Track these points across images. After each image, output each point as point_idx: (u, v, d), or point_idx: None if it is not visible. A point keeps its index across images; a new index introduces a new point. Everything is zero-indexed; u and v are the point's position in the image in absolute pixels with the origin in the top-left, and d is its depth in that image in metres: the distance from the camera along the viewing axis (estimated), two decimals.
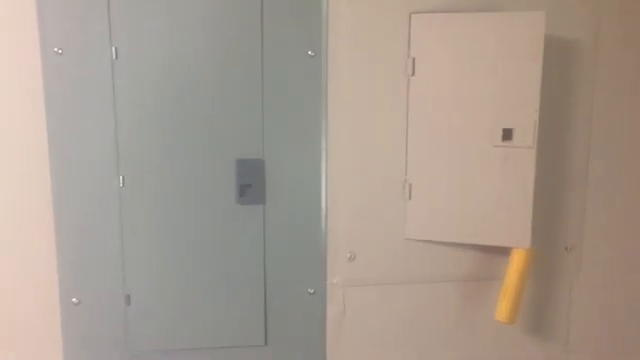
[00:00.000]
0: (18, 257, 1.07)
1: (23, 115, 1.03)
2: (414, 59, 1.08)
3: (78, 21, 1.01)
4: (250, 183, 1.10)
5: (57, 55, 1.02)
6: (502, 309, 1.10)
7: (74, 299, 1.09)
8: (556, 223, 1.20)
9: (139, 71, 1.04)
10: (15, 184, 1.05)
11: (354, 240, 1.14)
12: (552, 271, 1.22)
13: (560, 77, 1.15)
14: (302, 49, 1.08)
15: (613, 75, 1.18)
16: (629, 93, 1.19)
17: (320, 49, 1.08)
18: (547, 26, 1.03)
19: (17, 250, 1.07)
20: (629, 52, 1.18)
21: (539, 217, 1.12)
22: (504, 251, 1.13)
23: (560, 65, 1.15)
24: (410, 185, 1.12)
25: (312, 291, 1.15)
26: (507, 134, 1.06)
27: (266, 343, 1.15)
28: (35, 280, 1.08)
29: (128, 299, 1.10)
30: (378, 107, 1.11)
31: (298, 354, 1.17)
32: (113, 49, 1.03)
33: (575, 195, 1.20)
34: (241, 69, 1.07)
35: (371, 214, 1.14)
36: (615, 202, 1.22)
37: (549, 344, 1.26)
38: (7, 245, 1.07)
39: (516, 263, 1.10)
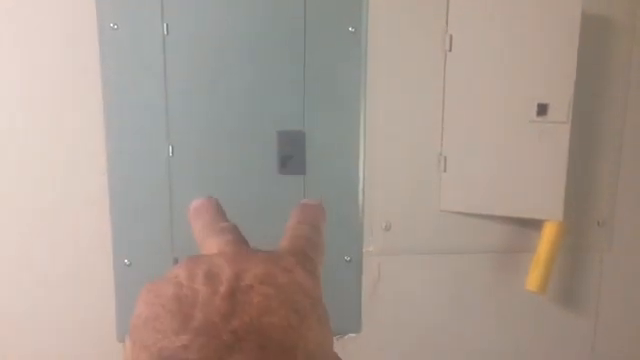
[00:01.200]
0: (75, 222, 1.15)
1: (80, 87, 1.10)
2: (451, 35, 1.12)
3: None
4: (291, 154, 1.15)
5: (113, 30, 1.08)
6: (533, 279, 1.14)
7: (126, 260, 1.16)
8: (589, 198, 1.23)
9: (188, 46, 1.10)
10: (73, 152, 1.12)
11: (390, 210, 1.19)
12: (584, 245, 1.25)
13: (596, 54, 1.17)
14: (343, 25, 1.12)
15: None
16: None
17: (360, 25, 1.12)
18: (584, 3, 1.05)
19: (74, 214, 1.15)
20: None
21: (572, 191, 1.15)
22: (537, 224, 1.16)
23: (597, 42, 1.16)
24: (445, 158, 1.16)
25: (349, 259, 1.20)
26: (542, 109, 1.09)
27: None
28: (90, 242, 1.16)
29: (176, 262, 1.16)
30: (416, 82, 1.14)
31: (335, 318, 1.21)
32: (165, 25, 1.08)
33: (608, 171, 1.22)
34: (284, 45, 1.11)
35: (407, 186, 1.18)
36: None
37: (579, 317, 1.29)
38: (65, 209, 1.14)
39: (547, 235, 1.14)
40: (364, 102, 1.15)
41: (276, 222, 1.15)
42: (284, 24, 1.11)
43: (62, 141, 1.12)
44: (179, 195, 1.15)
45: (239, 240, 0.41)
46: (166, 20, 1.09)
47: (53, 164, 1.13)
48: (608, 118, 1.20)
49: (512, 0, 1.08)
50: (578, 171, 1.18)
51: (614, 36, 1.17)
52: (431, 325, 1.25)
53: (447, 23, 1.12)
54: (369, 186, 1.18)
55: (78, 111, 1.11)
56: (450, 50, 1.12)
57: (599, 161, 1.21)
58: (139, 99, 1.11)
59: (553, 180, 1.11)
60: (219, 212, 0.44)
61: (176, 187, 1.14)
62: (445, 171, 1.16)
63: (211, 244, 0.40)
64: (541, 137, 1.10)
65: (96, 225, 1.15)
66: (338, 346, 1.17)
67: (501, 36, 1.09)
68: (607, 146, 1.21)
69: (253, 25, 1.10)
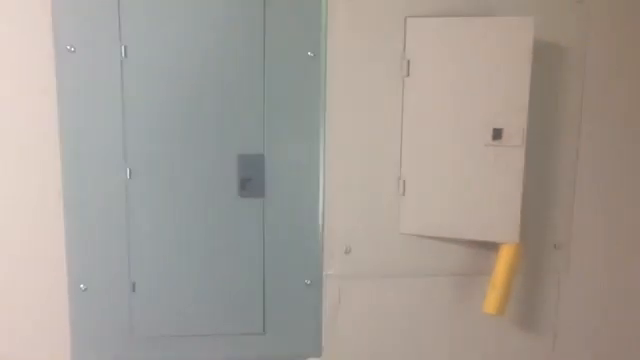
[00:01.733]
0: (29, 245, 1.13)
1: (36, 110, 1.09)
2: (409, 61, 1.14)
3: (90, 20, 1.07)
4: (250, 177, 1.15)
5: (69, 53, 1.07)
6: (490, 301, 1.15)
7: (82, 285, 1.14)
8: (545, 221, 1.25)
9: (146, 69, 1.10)
10: (28, 175, 1.11)
11: (350, 234, 1.19)
12: (541, 268, 1.26)
13: (549, 80, 1.20)
14: (302, 50, 1.13)
15: (602, 79, 1.22)
16: (617, 97, 1.23)
17: (319, 50, 1.14)
18: (537, 31, 1.08)
19: (28, 239, 1.13)
20: (618, 57, 1.22)
21: (528, 214, 1.16)
22: (494, 246, 1.17)
23: (550, 69, 1.19)
24: (404, 181, 1.17)
25: (309, 282, 1.20)
26: (497, 133, 1.11)
27: (264, 331, 1.20)
28: (44, 267, 1.14)
29: (133, 286, 1.15)
30: (375, 106, 1.16)
31: (295, 342, 1.22)
32: (122, 47, 1.08)
33: (563, 193, 1.24)
34: (244, 69, 1.12)
35: (367, 209, 1.19)
36: (603, 201, 1.26)
37: (537, 338, 1.30)
38: (19, 234, 1.12)
39: (504, 257, 1.15)
40: (323, 126, 1.16)
41: (235, 244, 1.15)
42: (243, 48, 1.11)
43: (17, 163, 1.10)
44: (137, 218, 1.13)
45: None
46: (124, 42, 1.08)
47: (7, 185, 1.11)
48: (562, 141, 1.23)
49: (467, 28, 1.10)
50: (534, 194, 1.20)
51: (566, 61, 1.20)
52: (391, 348, 1.25)
53: (404, 49, 1.14)
54: (329, 209, 1.18)
55: (33, 134, 1.10)
56: (408, 75, 1.14)
57: (555, 184, 1.24)
58: (96, 121, 1.10)
59: (509, 203, 1.13)
60: None
61: (134, 210, 1.13)
62: (404, 194, 1.17)
63: None
64: (497, 161, 1.12)
65: (51, 249, 1.13)
66: None
67: (457, 62, 1.11)
68: (562, 169, 1.24)
69: (213, 48, 1.11)
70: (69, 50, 1.07)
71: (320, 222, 1.18)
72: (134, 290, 1.15)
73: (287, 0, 1.11)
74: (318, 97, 1.15)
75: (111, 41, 1.08)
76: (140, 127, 1.11)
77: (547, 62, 1.18)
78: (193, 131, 1.12)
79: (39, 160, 1.11)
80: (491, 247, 1.18)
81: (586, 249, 1.28)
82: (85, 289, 1.14)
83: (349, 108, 1.15)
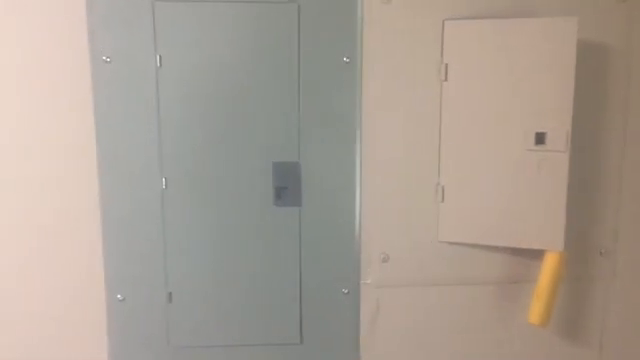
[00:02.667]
0: (67, 256, 1.13)
1: (73, 120, 1.09)
2: (447, 65, 1.11)
3: (125, 30, 1.07)
4: (286, 186, 1.13)
5: (105, 63, 1.07)
6: (535, 312, 1.11)
7: (119, 296, 1.14)
8: (590, 227, 1.20)
9: (181, 78, 1.09)
10: (66, 186, 1.11)
11: (387, 242, 1.17)
12: (586, 275, 1.22)
13: (594, 82, 1.16)
14: (338, 56, 1.11)
15: None
16: None
17: (355, 55, 1.12)
18: (580, 31, 1.04)
19: (66, 249, 1.13)
20: None
21: (573, 221, 1.13)
22: (538, 254, 1.14)
23: (594, 70, 1.15)
24: (443, 188, 1.14)
25: (346, 291, 1.18)
26: (540, 138, 1.08)
27: (301, 342, 1.18)
28: (82, 278, 1.14)
29: (170, 297, 1.15)
30: (412, 112, 1.13)
31: (332, 353, 1.19)
32: (158, 57, 1.08)
33: (609, 199, 1.20)
34: (279, 75, 1.11)
35: (405, 216, 1.16)
36: None
37: (583, 348, 1.25)
38: (57, 244, 1.13)
39: (549, 266, 1.11)
40: (360, 133, 1.14)
41: (271, 254, 1.14)
42: (278, 55, 1.10)
43: (55, 174, 1.11)
44: (173, 228, 1.13)
45: None
46: (159, 52, 1.08)
47: (46, 197, 1.11)
48: (608, 146, 1.18)
49: (508, 29, 1.07)
50: (579, 200, 1.17)
51: (611, 62, 1.16)
52: (431, 359, 1.22)
53: (442, 52, 1.11)
54: (366, 217, 1.16)
55: (70, 145, 1.10)
56: (446, 80, 1.11)
57: (600, 190, 1.20)
58: (132, 131, 1.10)
59: (553, 209, 1.09)
60: None
61: (170, 220, 1.13)
62: (443, 201, 1.15)
63: None
64: (540, 166, 1.08)
65: (88, 260, 1.13)
66: None
67: (497, 65, 1.08)
68: (608, 174, 1.19)
69: (248, 56, 1.10)
70: (105, 61, 1.07)
71: (357, 230, 1.16)
72: (171, 301, 1.15)
73: (321, 5, 1.10)
74: (354, 103, 1.13)
75: (146, 51, 1.08)
76: (175, 137, 1.10)
77: (591, 63, 1.14)
78: (228, 140, 1.11)
79: (76, 171, 1.11)
80: (535, 255, 1.15)
81: (633, 255, 1.23)
82: (123, 299, 1.14)
83: (386, 114, 1.13)
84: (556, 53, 1.05)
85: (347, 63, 1.12)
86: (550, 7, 1.12)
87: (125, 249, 1.13)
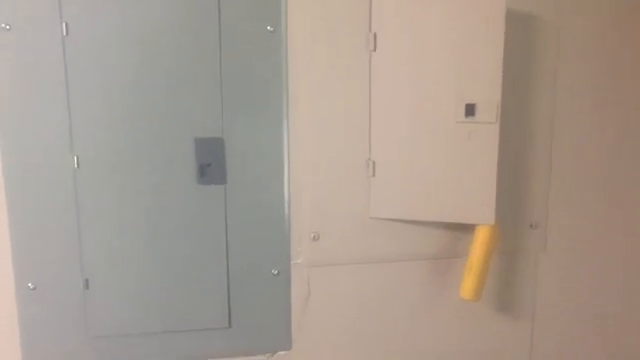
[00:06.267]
0: None
1: None
2: (375, 34, 1.07)
3: None
4: (210, 162, 1.07)
5: (5, 31, 0.98)
6: (467, 286, 1.10)
7: (30, 284, 1.06)
8: (521, 201, 1.20)
9: (91, 48, 1.01)
10: None
11: (318, 220, 1.13)
12: (517, 248, 1.22)
13: (522, 52, 1.14)
14: (261, 24, 1.05)
15: (576, 53, 1.17)
16: (593, 71, 1.19)
17: (279, 24, 1.06)
18: (509, 1, 1.02)
19: None
20: (590, 25, 1.17)
21: (504, 194, 1.12)
22: (470, 228, 1.12)
23: (523, 41, 1.14)
24: (374, 162, 1.11)
25: (276, 272, 1.14)
26: (470, 110, 1.05)
27: (230, 325, 1.13)
28: None
29: (86, 283, 1.07)
30: (340, 83, 1.09)
31: (263, 336, 1.15)
32: (64, 24, 0.99)
33: (539, 172, 1.20)
34: (198, 45, 1.04)
35: (335, 193, 1.12)
36: (579, 179, 1.22)
37: (516, 321, 1.26)
38: None
39: (480, 240, 1.10)
40: (286, 105, 1.08)
41: (196, 235, 1.08)
42: (197, 23, 1.03)
43: None
44: (87, 210, 1.05)
45: None
46: (65, 19, 0.99)
47: None
48: (538, 118, 1.18)
49: None
50: (509, 173, 1.16)
51: (540, 33, 1.15)
52: (364, 337, 1.19)
53: (370, 22, 1.07)
54: (295, 194, 1.12)
55: None
56: (374, 50, 1.07)
57: (530, 163, 1.19)
58: (37, 106, 1.01)
59: (484, 183, 1.08)
60: None
61: (84, 202, 1.05)
62: (374, 176, 1.11)
63: None
64: (470, 138, 1.06)
65: None
66: None
67: (426, 35, 1.04)
68: (538, 147, 1.19)
69: (164, 24, 1.02)
70: (4, 28, 0.98)
71: (286, 209, 1.11)
72: (87, 287, 1.07)
73: None
74: (280, 75, 1.07)
75: (50, 17, 0.99)
76: (87, 112, 1.02)
77: (520, 34, 1.13)
78: (145, 114, 1.04)
79: None
80: (466, 229, 1.13)
81: (563, 227, 1.24)
82: (34, 288, 1.06)
83: (313, 86, 1.08)
84: (485, 23, 1.03)
85: (271, 32, 1.06)
86: None
87: (35, 234, 1.04)
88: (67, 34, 0.99)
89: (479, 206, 1.08)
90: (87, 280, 1.07)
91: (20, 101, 1.00)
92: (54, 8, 0.98)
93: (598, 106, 1.20)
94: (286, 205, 1.11)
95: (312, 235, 1.13)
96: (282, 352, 1.17)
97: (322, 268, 1.15)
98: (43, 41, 0.99)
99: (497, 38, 1.03)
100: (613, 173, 1.24)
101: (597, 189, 1.24)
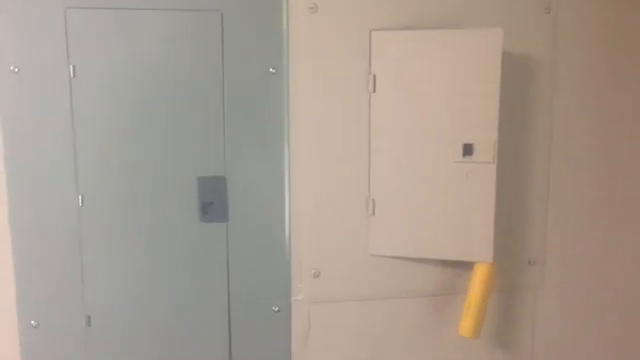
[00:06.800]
0: None
1: None
2: (375, 76, 1.09)
3: (34, 39, 1.00)
4: (212, 201, 1.09)
5: (13, 73, 1.00)
6: (466, 324, 1.10)
7: (33, 322, 1.07)
8: (519, 237, 1.21)
9: (97, 88, 1.03)
10: None
11: (318, 257, 1.14)
12: (516, 285, 1.23)
13: (519, 93, 1.16)
14: (264, 66, 1.08)
15: (572, 91, 1.20)
16: (588, 109, 1.21)
17: (282, 66, 1.08)
18: (505, 43, 1.05)
19: None
20: (587, 69, 1.20)
21: (502, 232, 1.13)
22: (469, 265, 1.13)
23: (519, 81, 1.16)
24: (374, 201, 1.12)
25: (277, 309, 1.14)
26: (468, 149, 1.07)
27: None
28: None
29: (88, 320, 1.08)
30: (340, 124, 1.11)
31: None
32: (70, 67, 1.01)
33: (537, 209, 1.21)
34: (202, 86, 1.06)
35: (335, 230, 1.14)
36: (577, 216, 1.24)
37: (514, 358, 1.26)
38: None
39: (479, 277, 1.11)
40: (288, 145, 1.10)
41: (198, 272, 1.09)
42: (202, 65, 1.06)
43: None
44: (90, 248, 1.06)
45: None
46: (72, 61, 1.02)
47: None
48: (534, 156, 1.19)
49: (434, 40, 1.07)
50: (507, 211, 1.17)
51: (536, 73, 1.17)
52: None
53: (370, 63, 1.09)
54: (296, 232, 1.13)
55: None
56: (374, 91, 1.10)
57: (527, 200, 1.20)
58: (44, 146, 1.03)
59: (482, 221, 1.09)
60: None
61: (87, 239, 1.06)
62: (374, 214, 1.13)
63: None
64: (468, 177, 1.08)
65: None
66: None
67: (424, 76, 1.07)
68: (535, 184, 1.20)
69: (168, 65, 1.05)
70: (13, 71, 1.00)
71: (287, 246, 1.13)
72: (89, 324, 1.08)
73: (245, 13, 1.06)
74: (281, 115, 1.09)
75: (58, 60, 1.01)
76: (92, 151, 1.04)
77: (516, 74, 1.15)
78: (149, 153, 1.06)
79: None
80: (465, 266, 1.14)
81: (561, 264, 1.25)
82: (37, 325, 1.07)
83: (314, 126, 1.10)
84: (482, 64, 1.05)
85: (273, 74, 1.08)
86: (476, 18, 1.12)
87: (39, 271, 1.05)
88: (74, 76, 1.02)
89: (477, 244, 1.10)
90: (89, 317, 1.08)
91: (27, 140, 1.02)
92: (62, 51, 1.01)
93: (595, 146, 1.22)
94: (287, 242, 1.13)
95: (313, 272, 1.14)
96: None
97: (322, 304, 1.16)
98: (51, 83, 1.02)
99: (493, 80, 1.05)
100: (610, 205, 1.25)
101: (594, 225, 1.25)
